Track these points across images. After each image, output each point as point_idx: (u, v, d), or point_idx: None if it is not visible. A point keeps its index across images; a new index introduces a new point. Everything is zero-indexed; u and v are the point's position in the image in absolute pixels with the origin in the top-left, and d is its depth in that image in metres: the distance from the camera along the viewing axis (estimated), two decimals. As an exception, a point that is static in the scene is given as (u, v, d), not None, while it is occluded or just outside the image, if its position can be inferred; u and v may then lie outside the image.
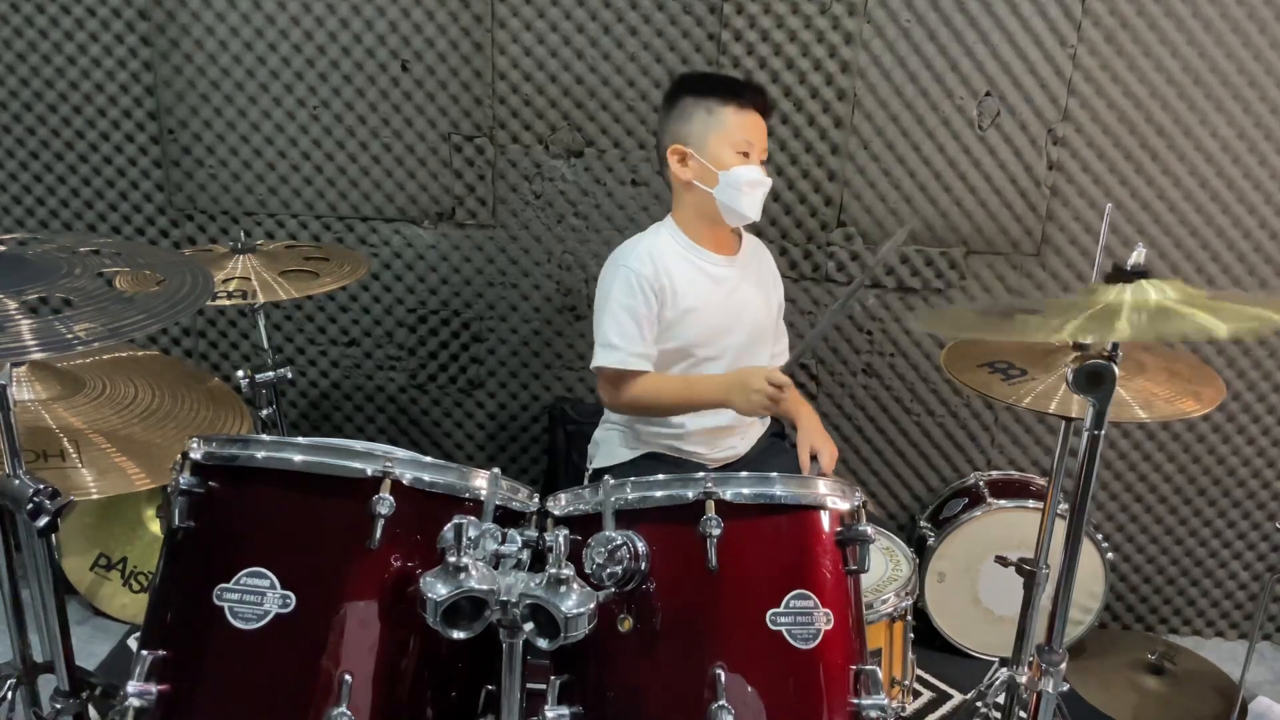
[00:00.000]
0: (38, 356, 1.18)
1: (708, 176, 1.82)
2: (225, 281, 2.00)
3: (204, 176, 2.44)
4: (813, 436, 1.97)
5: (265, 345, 2.14)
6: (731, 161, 1.81)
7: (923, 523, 2.47)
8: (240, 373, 2.09)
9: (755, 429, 2.05)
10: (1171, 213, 2.29)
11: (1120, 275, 1.37)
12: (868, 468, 2.55)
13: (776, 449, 2.09)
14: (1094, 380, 1.35)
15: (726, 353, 1.93)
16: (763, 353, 2.00)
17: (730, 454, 2.00)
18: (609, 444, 2.04)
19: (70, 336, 1.15)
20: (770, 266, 2.08)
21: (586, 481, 2.07)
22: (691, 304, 1.88)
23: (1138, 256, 1.26)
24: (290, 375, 2.17)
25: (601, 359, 1.86)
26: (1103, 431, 1.40)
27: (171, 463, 1.35)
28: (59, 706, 1.49)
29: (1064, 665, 1.52)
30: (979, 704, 2.01)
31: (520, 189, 2.40)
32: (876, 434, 2.52)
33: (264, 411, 2.15)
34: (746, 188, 1.81)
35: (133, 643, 2.38)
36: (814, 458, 1.92)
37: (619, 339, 1.85)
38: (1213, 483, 2.47)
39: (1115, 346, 1.37)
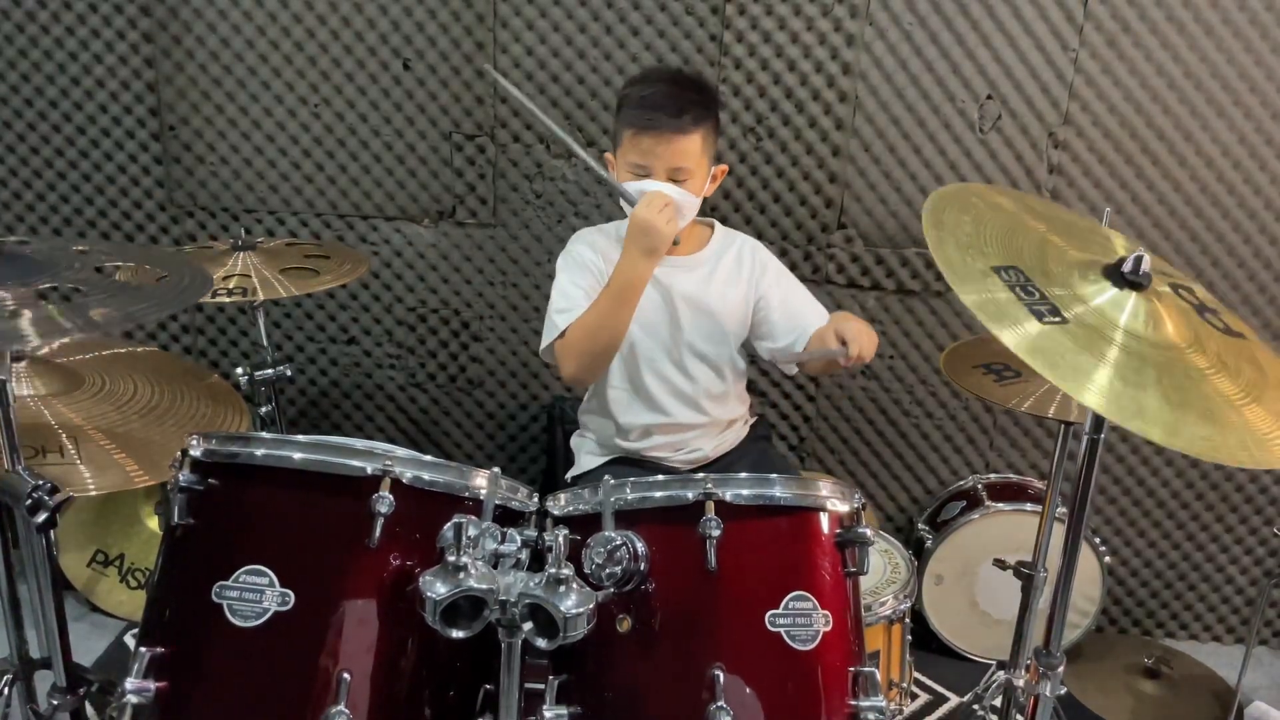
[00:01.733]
0: (56, 342, 1.17)
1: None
2: (225, 279, 1.99)
3: (204, 173, 2.44)
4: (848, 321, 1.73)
5: (265, 343, 2.14)
6: (624, 178, 1.78)
7: (921, 525, 2.47)
8: (239, 370, 2.09)
9: (726, 433, 1.98)
10: (1172, 217, 2.29)
11: (1119, 277, 1.35)
12: (866, 470, 2.55)
13: (758, 452, 2.03)
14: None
15: (663, 346, 1.88)
16: (720, 349, 1.90)
17: (697, 456, 1.95)
18: (581, 451, 2.03)
19: (92, 317, 1.15)
20: (748, 260, 1.93)
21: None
22: None
23: (1134, 264, 1.24)
24: (289, 373, 2.17)
25: (558, 323, 1.79)
26: (1102, 436, 1.40)
27: (170, 460, 1.35)
28: (56, 703, 1.49)
29: (1062, 669, 1.52)
30: (975, 707, 2.01)
31: (521, 188, 2.40)
32: (875, 436, 2.52)
33: (263, 409, 2.15)
34: (628, 206, 1.77)
35: (129, 639, 2.38)
36: (843, 341, 1.67)
37: (565, 302, 1.82)
38: (1210, 487, 2.48)
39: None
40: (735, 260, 1.92)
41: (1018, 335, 1.15)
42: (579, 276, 1.85)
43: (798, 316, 1.88)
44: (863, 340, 1.66)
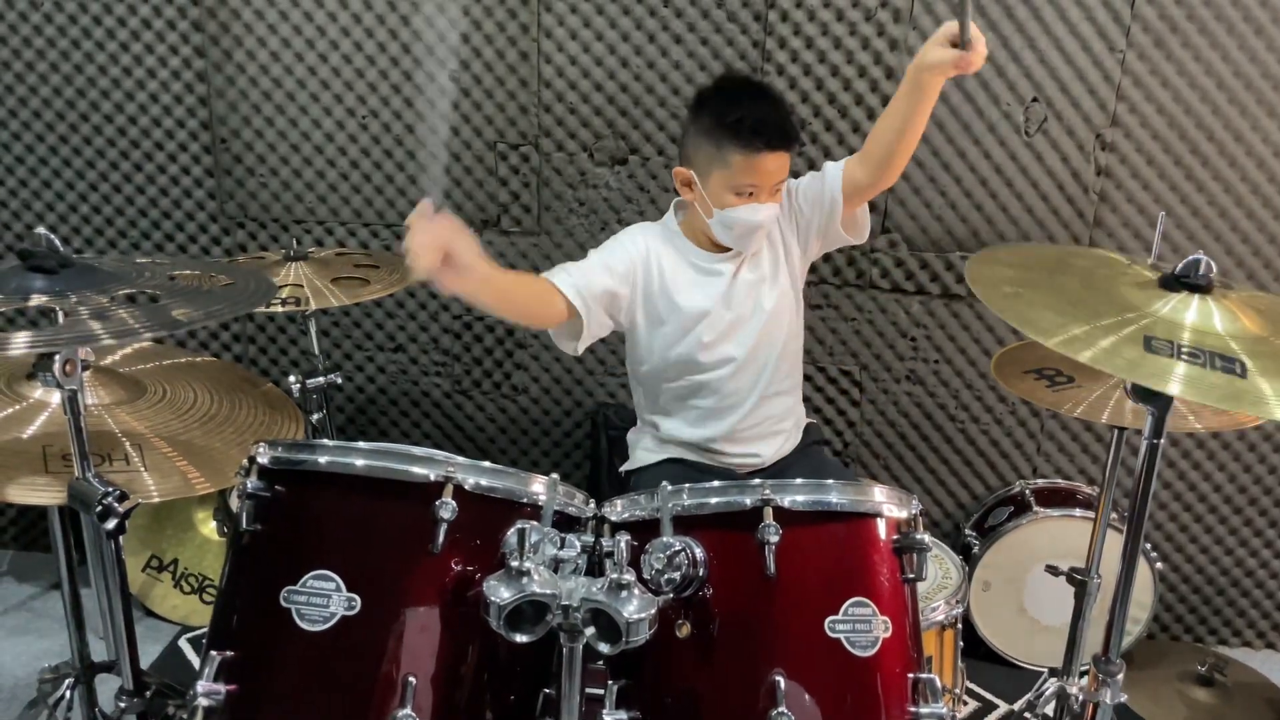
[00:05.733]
0: (148, 338, 1.21)
1: (705, 208, 1.79)
2: (279, 288, 2.03)
3: (255, 185, 2.48)
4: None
5: (316, 351, 2.17)
6: (729, 202, 1.76)
7: (968, 531, 2.45)
8: (292, 378, 2.12)
9: (779, 440, 1.98)
10: (1222, 219, 2.27)
11: (1180, 284, 1.36)
12: (911, 475, 2.54)
13: (813, 456, 2.04)
14: (1154, 389, 1.34)
15: (737, 345, 1.86)
16: (778, 345, 1.89)
17: (755, 462, 1.96)
18: (636, 446, 2.04)
19: (176, 317, 1.18)
20: (778, 228, 1.88)
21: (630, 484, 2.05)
22: (677, 293, 1.84)
23: (1206, 268, 1.24)
24: (339, 380, 2.20)
25: (556, 273, 1.80)
26: (1161, 440, 1.39)
27: (230, 467, 1.38)
28: (124, 705, 1.52)
29: (1121, 676, 1.50)
30: (1027, 714, 2.00)
31: (565, 196, 2.42)
32: (920, 441, 2.51)
33: (314, 416, 2.18)
34: (739, 229, 1.78)
35: (184, 644, 2.42)
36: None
37: (576, 266, 1.82)
38: (1264, 492, 2.44)
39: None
40: (772, 244, 1.89)
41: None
42: (610, 256, 1.83)
43: (817, 181, 1.84)
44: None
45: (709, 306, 1.85)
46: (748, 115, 1.73)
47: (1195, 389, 1.19)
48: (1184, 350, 1.23)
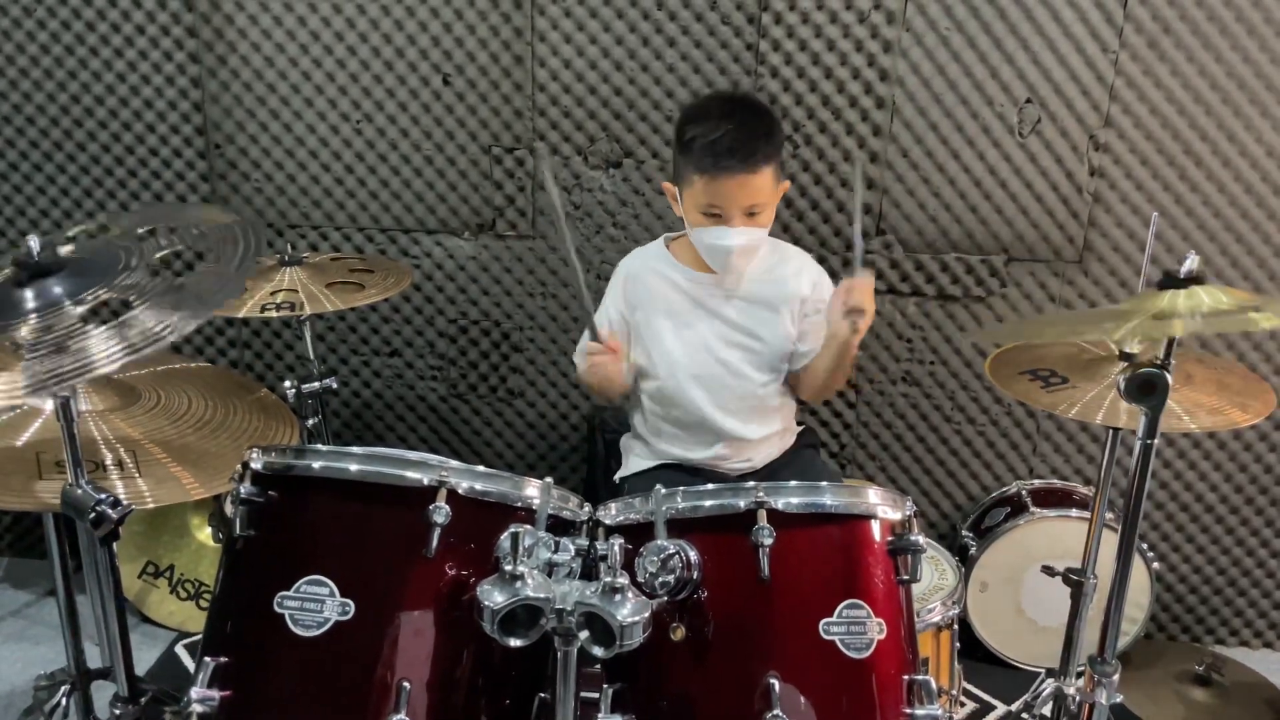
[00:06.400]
0: (112, 367, 1.18)
1: (687, 225, 1.83)
2: (273, 294, 2.03)
3: (250, 190, 2.48)
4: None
5: (311, 356, 2.17)
6: (697, 221, 1.78)
7: (964, 532, 2.45)
8: (287, 383, 2.12)
9: (770, 446, 2.00)
10: (1216, 219, 2.27)
11: (1173, 282, 1.37)
12: (907, 476, 2.54)
13: (804, 460, 2.05)
14: (1146, 389, 1.34)
15: (703, 367, 1.90)
16: (762, 367, 1.92)
17: (745, 467, 1.97)
18: (629, 453, 2.05)
19: (139, 331, 1.16)
20: (795, 277, 1.95)
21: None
22: (657, 317, 1.91)
23: (1191, 263, 1.26)
24: (334, 385, 2.20)
25: (576, 359, 2.03)
26: (1155, 440, 1.39)
27: (225, 473, 1.37)
28: (119, 712, 1.51)
29: (1117, 676, 1.50)
30: (1025, 715, 2.00)
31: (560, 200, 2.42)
32: (917, 442, 2.51)
33: (309, 421, 2.18)
34: (709, 250, 1.80)
35: (180, 649, 2.42)
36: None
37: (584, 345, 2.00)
38: (1260, 491, 2.44)
39: (1168, 355, 1.36)
40: (781, 280, 1.93)
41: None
42: (614, 306, 1.98)
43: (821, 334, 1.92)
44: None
45: (678, 320, 1.89)
46: (703, 135, 1.73)
47: (1217, 320, 1.25)
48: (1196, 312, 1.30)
